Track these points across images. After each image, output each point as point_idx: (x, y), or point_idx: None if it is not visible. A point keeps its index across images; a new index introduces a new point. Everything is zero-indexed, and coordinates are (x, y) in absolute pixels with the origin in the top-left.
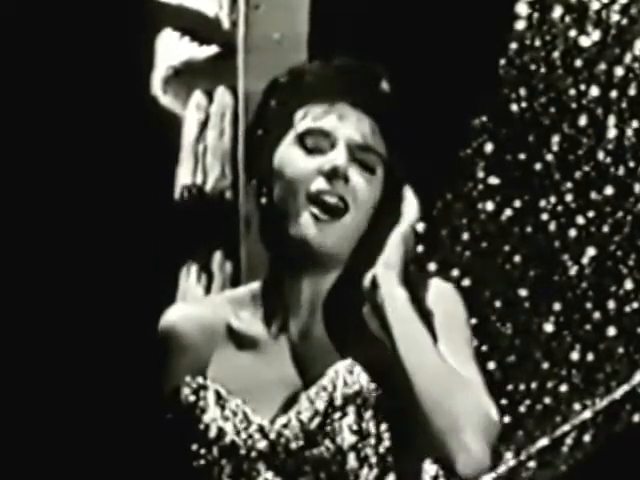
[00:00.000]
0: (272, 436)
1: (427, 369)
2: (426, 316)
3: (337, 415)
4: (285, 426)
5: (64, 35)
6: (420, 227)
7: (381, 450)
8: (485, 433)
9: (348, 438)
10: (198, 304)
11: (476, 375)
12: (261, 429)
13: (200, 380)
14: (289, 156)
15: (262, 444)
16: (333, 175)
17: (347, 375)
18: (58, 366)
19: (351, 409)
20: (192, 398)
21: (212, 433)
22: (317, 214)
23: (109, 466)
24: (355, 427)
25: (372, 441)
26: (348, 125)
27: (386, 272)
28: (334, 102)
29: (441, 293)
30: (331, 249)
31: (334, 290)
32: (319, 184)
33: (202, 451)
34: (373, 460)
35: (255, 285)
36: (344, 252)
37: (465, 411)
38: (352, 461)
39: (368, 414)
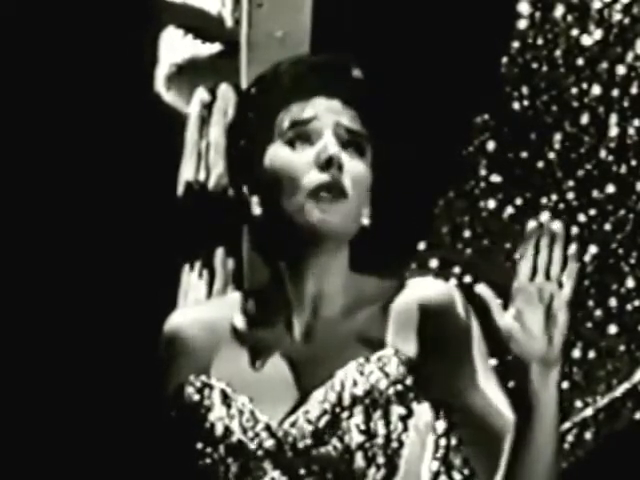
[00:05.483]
0: (279, 435)
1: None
2: None
3: (345, 414)
4: (292, 425)
5: (67, 32)
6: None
7: (389, 450)
8: None
9: (356, 437)
10: (202, 305)
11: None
12: (268, 428)
13: (204, 378)
14: (279, 157)
15: (269, 443)
16: (328, 165)
17: (357, 375)
18: (59, 366)
19: (359, 409)
20: (196, 397)
21: (218, 432)
22: (318, 201)
23: (114, 465)
24: (363, 427)
25: (380, 441)
26: (329, 113)
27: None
28: (311, 98)
29: (466, 309)
30: (336, 228)
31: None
32: (314, 176)
33: (208, 450)
34: (381, 460)
35: (259, 286)
36: (348, 233)
37: None
38: (359, 460)
39: (377, 414)
